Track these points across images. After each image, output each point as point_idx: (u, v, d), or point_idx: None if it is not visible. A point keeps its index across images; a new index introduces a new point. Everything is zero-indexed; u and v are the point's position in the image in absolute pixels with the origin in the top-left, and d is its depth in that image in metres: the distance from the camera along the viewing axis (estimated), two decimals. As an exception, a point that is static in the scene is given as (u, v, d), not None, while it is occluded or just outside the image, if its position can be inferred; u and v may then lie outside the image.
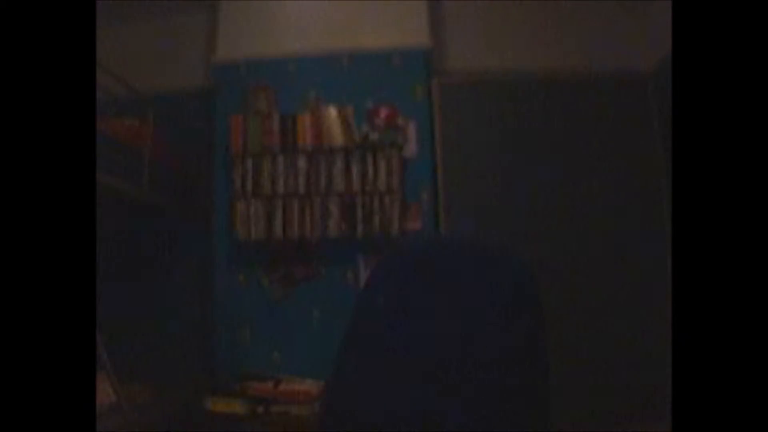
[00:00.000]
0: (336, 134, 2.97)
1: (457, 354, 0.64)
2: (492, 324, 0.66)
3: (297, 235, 2.91)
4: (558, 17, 3.17)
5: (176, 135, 3.17)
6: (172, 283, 3.17)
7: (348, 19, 3.16)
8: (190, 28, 3.39)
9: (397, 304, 0.68)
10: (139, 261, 3.16)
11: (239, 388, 2.66)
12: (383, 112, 3.02)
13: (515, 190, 2.96)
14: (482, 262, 0.70)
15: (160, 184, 2.93)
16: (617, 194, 2.92)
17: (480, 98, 3.08)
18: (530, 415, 0.66)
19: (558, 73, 3.06)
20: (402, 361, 0.65)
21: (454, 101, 3.06)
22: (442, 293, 0.67)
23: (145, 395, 2.48)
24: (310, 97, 3.08)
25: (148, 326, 3.01)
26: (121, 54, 3.05)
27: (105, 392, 2.17)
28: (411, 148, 2.99)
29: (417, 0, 3.14)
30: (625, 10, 3.14)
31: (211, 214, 3.07)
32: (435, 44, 3.14)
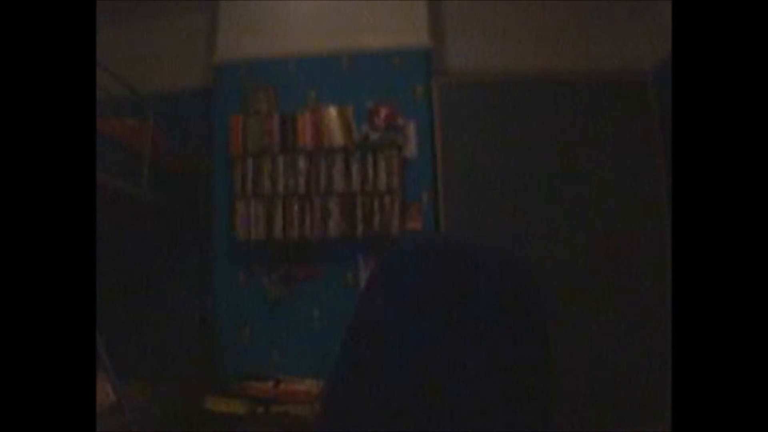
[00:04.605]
0: (336, 134, 2.97)
1: (456, 353, 0.64)
2: (492, 323, 0.66)
3: (297, 235, 2.91)
4: (558, 17, 3.16)
5: (176, 135, 3.17)
6: (172, 283, 3.17)
7: (348, 19, 3.16)
8: (190, 28, 3.39)
9: (397, 304, 0.68)
10: (139, 261, 3.16)
11: (239, 388, 2.66)
12: (383, 112, 3.02)
13: (515, 190, 2.96)
14: (482, 262, 0.70)
15: (160, 184, 2.93)
16: (617, 194, 2.92)
17: (480, 98, 3.08)
18: (530, 415, 0.66)
19: (558, 73, 3.06)
20: (401, 361, 0.65)
21: (454, 101, 3.06)
22: (441, 293, 0.67)
23: (145, 395, 2.48)
24: (310, 97, 3.08)
25: (148, 326, 3.01)
26: (121, 54, 3.05)
27: (105, 392, 2.17)
28: (411, 148, 2.99)
29: (417, 0, 3.14)
30: (626, 10, 3.13)
31: (211, 214, 3.07)
32: (435, 44, 3.14)
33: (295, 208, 2.92)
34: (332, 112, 3.01)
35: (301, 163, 2.96)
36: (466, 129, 3.03)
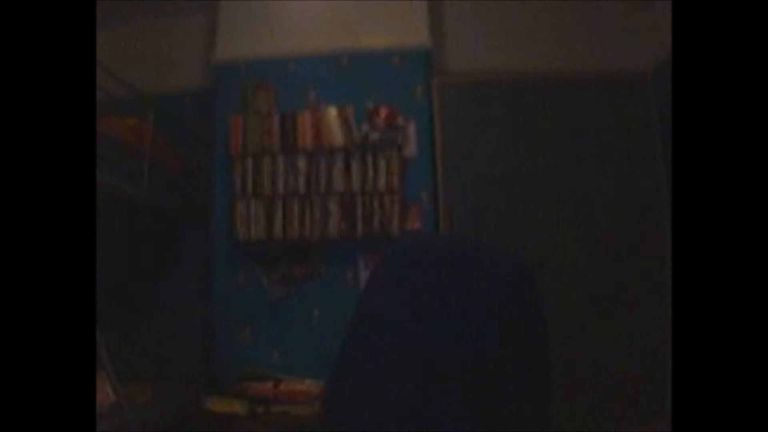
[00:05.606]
0: (336, 134, 2.97)
1: (456, 353, 0.64)
2: (492, 324, 0.66)
3: (297, 235, 2.91)
4: (558, 17, 3.16)
5: (176, 135, 3.17)
6: (172, 283, 3.17)
7: (348, 19, 3.16)
8: (190, 28, 3.39)
9: (397, 304, 0.68)
10: (139, 261, 3.16)
11: (239, 388, 2.66)
12: (383, 112, 3.01)
13: (515, 190, 2.96)
14: (482, 261, 0.70)
15: (160, 184, 2.93)
16: (617, 194, 2.92)
17: (480, 98, 3.08)
18: (530, 415, 0.66)
19: (558, 73, 3.06)
20: (402, 361, 0.65)
21: (454, 101, 3.06)
22: (441, 293, 0.67)
23: (145, 395, 2.48)
24: (310, 97, 3.08)
25: (148, 326, 3.00)
26: (121, 54, 3.05)
27: (105, 392, 2.17)
28: (411, 148, 2.99)
29: (417, 0, 3.14)
30: (626, 10, 3.13)
31: (211, 214, 3.07)
32: (435, 44, 3.13)
33: (295, 208, 2.92)
34: (332, 112, 3.00)
35: (301, 163, 2.96)
36: (466, 129, 3.03)
